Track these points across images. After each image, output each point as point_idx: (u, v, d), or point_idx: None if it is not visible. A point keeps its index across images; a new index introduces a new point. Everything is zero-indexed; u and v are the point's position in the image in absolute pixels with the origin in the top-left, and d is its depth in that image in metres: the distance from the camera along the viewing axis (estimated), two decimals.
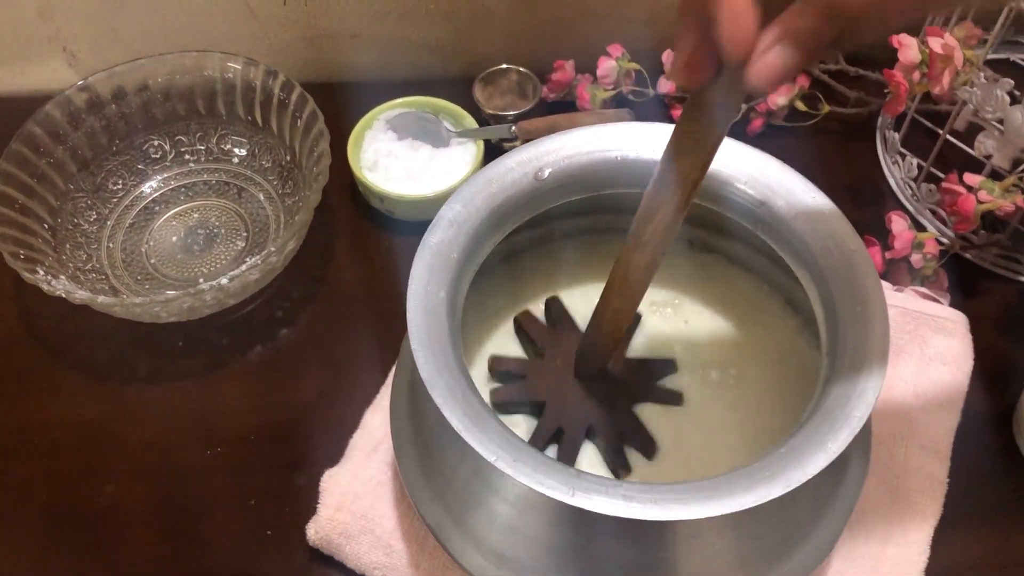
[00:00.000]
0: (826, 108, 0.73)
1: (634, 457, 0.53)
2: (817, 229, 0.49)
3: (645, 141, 0.53)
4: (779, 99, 0.72)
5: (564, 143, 0.53)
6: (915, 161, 0.69)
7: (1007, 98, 0.59)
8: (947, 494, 0.56)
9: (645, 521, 0.40)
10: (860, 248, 0.48)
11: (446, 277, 0.48)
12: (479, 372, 0.56)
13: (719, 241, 0.59)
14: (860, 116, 0.74)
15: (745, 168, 0.51)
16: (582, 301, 0.58)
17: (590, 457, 0.54)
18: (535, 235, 0.58)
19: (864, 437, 0.53)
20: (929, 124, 0.69)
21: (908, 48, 0.59)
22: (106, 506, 0.58)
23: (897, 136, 0.71)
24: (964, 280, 0.66)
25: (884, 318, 0.46)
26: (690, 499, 0.41)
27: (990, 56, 0.76)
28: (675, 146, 0.43)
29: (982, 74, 0.60)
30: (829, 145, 0.75)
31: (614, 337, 0.51)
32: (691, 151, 0.42)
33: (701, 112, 0.41)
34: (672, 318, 0.59)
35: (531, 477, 0.41)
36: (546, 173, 0.52)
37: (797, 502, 0.48)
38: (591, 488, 0.41)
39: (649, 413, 0.55)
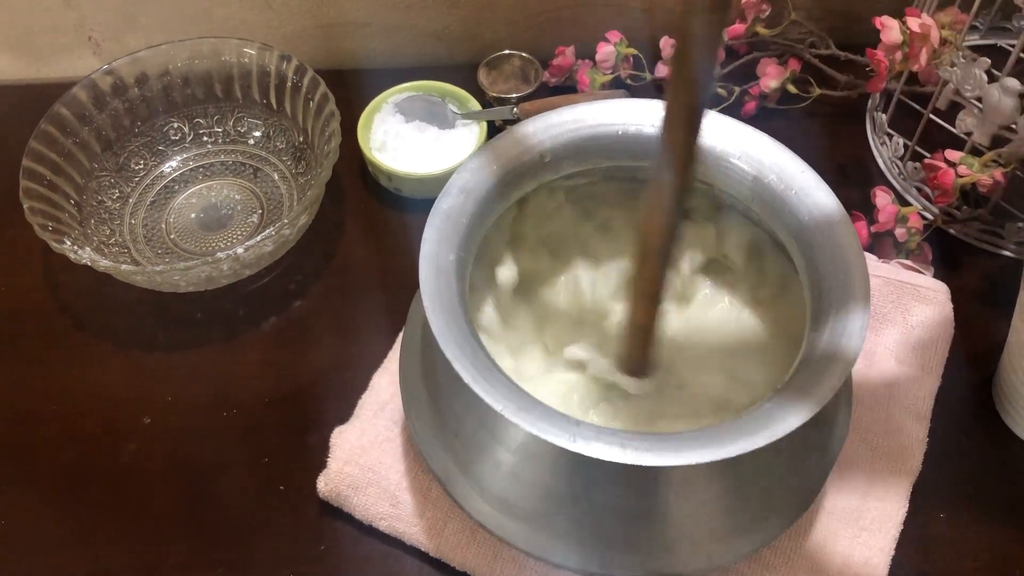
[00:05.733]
0: (817, 91, 0.76)
1: None
2: (805, 202, 0.52)
3: (643, 116, 0.55)
4: (771, 82, 0.75)
5: (566, 117, 0.55)
6: (901, 141, 0.72)
7: (985, 77, 0.62)
8: (926, 452, 0.59)
9: (639, 468, 0.43)
10: (845, 221, 0.51)
11: (455, 240, 0.50)
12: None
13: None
14: (850, 99, 0.77)
15: (739, 144, 0.54)
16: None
17: None
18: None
19: (846, 398, 0.56)
20: (915, 105, 0.71)
21: (890, 29, 0.62)
22: (127, 465, 0.61)
23: (884, 117, 0.74)
24: (948, 254, 0.69)
25: (865, 287, 0.48)
26: (681, 447, 0.44)
27: (978, 42, 0.79)
28: (665, 120, 0.43)
29: (960, 54, 0.62)
30: (820, 127, 0.78)
31: (643, 342, 0.52)
32: (678, 121, 0.42)
33: (683, 79, 0.43)
34: None
35: (535, 425, 0.43)
36: (548, 156, 0.54)
37: (781, 455, 0.51)
38: (590, 435, 0.43)
39: None
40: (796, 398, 0.45)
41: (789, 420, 0.44)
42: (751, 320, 0.58)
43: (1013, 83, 0.60)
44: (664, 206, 0.45)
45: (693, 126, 0.41)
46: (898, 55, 0.62)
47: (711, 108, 0.76)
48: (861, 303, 0.47)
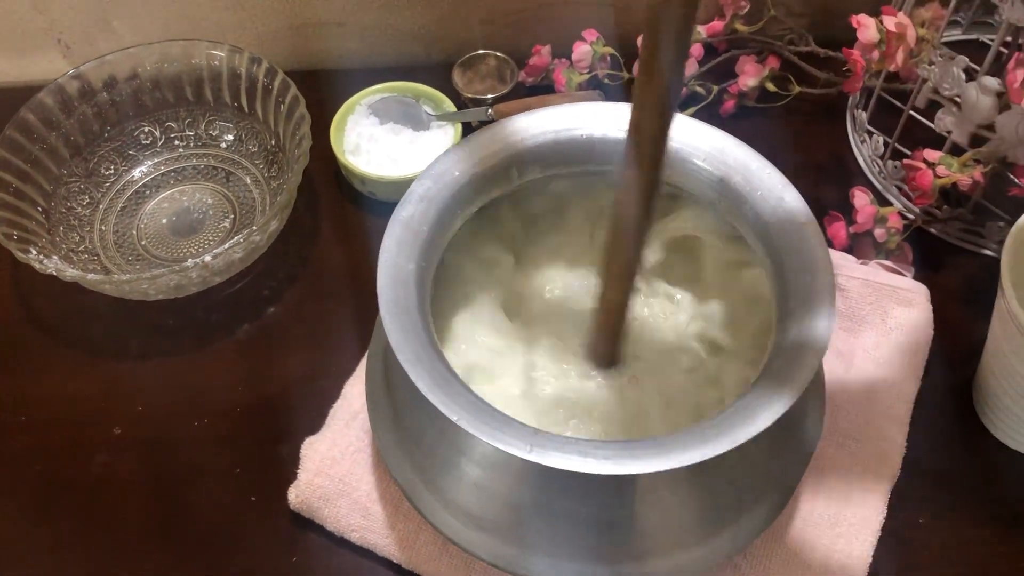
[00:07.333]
0: (796, 89, 0.75)
1: None
2: (771, 203, 0.51)
3: (611, 120, 0.54)
4: (750, 81, 0.74)
5: (532, 122, 0.54)
6: (881, 139, 0.71)
7: (963, 76, 0.61)
8: (904, 457, 0.58)
9: (602, 477, 0.42)
10: (811, 222, 0.50)
11: (415, 250, 0.49)
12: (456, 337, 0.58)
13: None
14: (830, 96, 0.76)
15: (703, 146, 0.53)
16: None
17: None
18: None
19: (817, 400, 0.55)
20: (895, 102, 0.70)
21: (866, 28, 0.61)
22: (98, 476, 0.60)
23: (865, 115, 0.73)
24: (929, 253, 0.68)
25: (831, 290, 0.47)
26: (643, 454, 0.43)
27: (960, 37, 0.78)
28: (631, 123, 0.43)
29: (938, 52, 0.61)
30: (800, 125, 0.77)
31: (614, 327, 0.52)
32: (645, 124, 0.42)
33: (651, 80, 0.41)
34: None
35: (491, 435, 0.43)
36: (512, 162, 0.53)
37: (747, 461, 0.50)
38: (548, 445, 0.42)
39: None
40: (761, 402, 0.44)
41: (754, 424, 0.43)
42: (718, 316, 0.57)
43: (991, 82, 0.59)
44: (637, 189, 0.44)
45: (665, 113, 0.41)
46: (875, 54, 0.61)
47: (688, 108, 0.75)
48: (827, 303, 0.47)
